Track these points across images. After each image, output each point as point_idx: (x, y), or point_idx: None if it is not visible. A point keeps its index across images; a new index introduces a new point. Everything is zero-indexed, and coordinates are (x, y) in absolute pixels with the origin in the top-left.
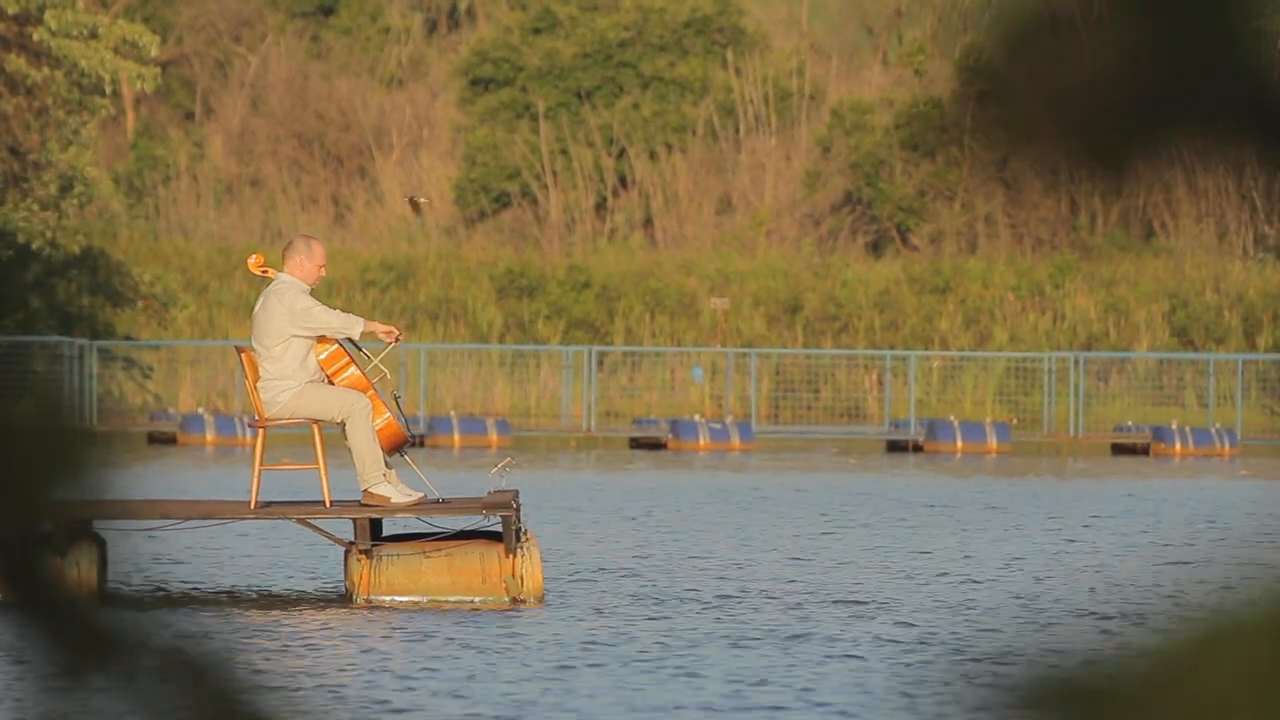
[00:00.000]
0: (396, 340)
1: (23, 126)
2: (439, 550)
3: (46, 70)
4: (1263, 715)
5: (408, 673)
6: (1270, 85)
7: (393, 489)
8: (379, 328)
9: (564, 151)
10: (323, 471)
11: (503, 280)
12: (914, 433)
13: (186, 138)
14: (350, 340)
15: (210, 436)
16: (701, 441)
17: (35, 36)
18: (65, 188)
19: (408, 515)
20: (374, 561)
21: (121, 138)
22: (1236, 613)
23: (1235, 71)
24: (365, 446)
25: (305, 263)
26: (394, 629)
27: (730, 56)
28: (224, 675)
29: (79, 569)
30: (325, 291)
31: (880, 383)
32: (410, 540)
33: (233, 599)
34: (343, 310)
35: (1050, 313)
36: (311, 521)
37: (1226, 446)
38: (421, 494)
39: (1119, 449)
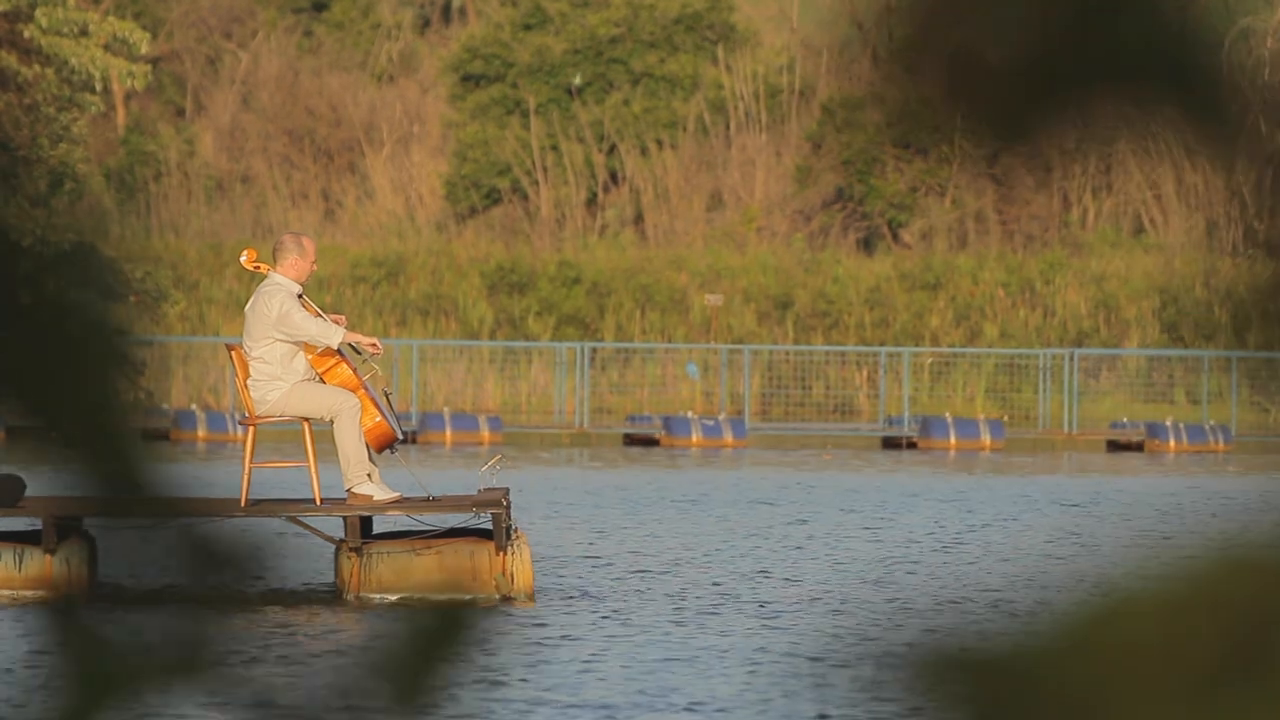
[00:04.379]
0: (377, 353)
1: (13, 123)
2: (429, 548)
3: (37, 67)
4: (1157, 687)
5: None
6: (1190, 45)
7: (375, 488)
8: (361, 339)
9: (554, 147)
10: (313, 469)
11: (493, 276)
12: (908, 429)
13: (177, 134)
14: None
15: (202, 433)
16: (694, 438)
17: (26, 34)
18: (55, 184)
19: (398, 513)
20: (364, 559)
21: (112, 134)
22: (1131, 590)
23: (1153, 30)
24: (351, 446)
25: (299, 262)
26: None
27: (720, 53)
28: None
29: (69, 567)
30: (316, 288)
31: (871, 379)
32: (400, 538)
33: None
34: (332, 308)
35: (1040, 309)
36: (302, 519)
37: (1221, 443)
38: (400, 493)
39: (1114, 445)
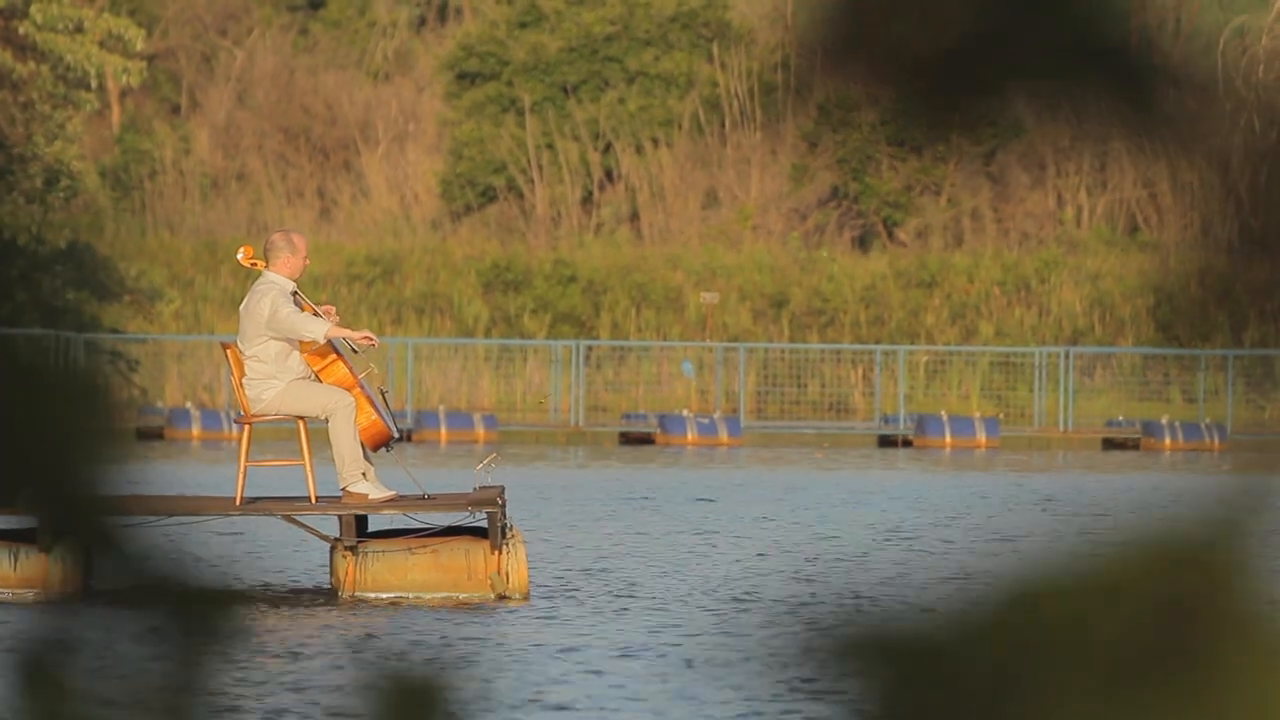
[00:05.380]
0: (371, 345)
1: (8, 120)
2: (424, 547)
3: (32, 64)
4: (1074, 670)
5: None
6: (1119, 33)
7: (370, 486)
8: (351, 334)
9: (550, 146)
10: (308, 468)
11: (489, 274)
12: (904, 428)
13: (172, 132)
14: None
15: (196, 431)
16: (689, 436)
17: (21, 30)
18: (51, 181)
19: (394, 511)
20: (359, 558)
21: (107, 131)
22: (1052, 572)
23: (1082, 18)
24: (346, 445)
25: (290, 259)
26: (379, 625)
27: (716, 50)
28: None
29: (64, 565)
30: (311, 286)
31: (866, 377)
32: (396, 537)
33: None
34: (330, 305)
35: (1036, 307)
36: (297, 518)
37: (1216, 441)
38: (395, 492)
39: (1109, 444)
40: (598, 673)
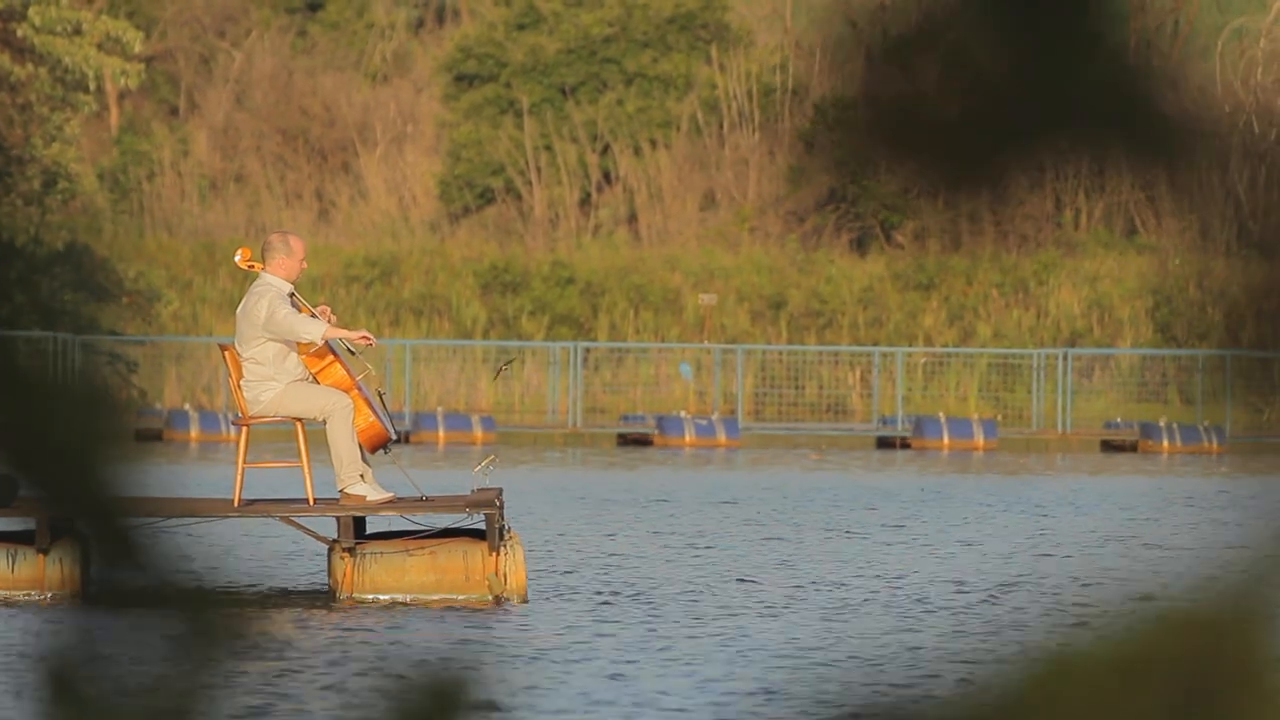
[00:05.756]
0: (368, 345)
1: (6, 122)
2: (422, 548)
3: (30, 67)
4: None
5: (391, 671)
6: (1141, 87)
7: (368, 488)
8: (348, 334)
9: (548, 147)
10: (306, 469)
11: (487, 276)
12: (901, 429)
13: (171, 133)
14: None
15: (195, 433)
16: (688, 438)
17: (19, 33)
18: (49, 183)
19: (392, 513)
20: (357, 560)
21: (105, 133)
22: (1080, 646)
23: (1105, 75)
24: (343, 447)
25: (286, 261)
26: (377, 627)
27: (714, 52)
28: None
29: (62, 567)
30: (309, 287)
31: (864, 379)
32: (394, 538)
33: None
34: (325, 305)
35: (1034, 309)
36: (295, 520)
37: (1214, 444)
38: (393, 494)
39: (1107, 446)
40: (597, 675)
